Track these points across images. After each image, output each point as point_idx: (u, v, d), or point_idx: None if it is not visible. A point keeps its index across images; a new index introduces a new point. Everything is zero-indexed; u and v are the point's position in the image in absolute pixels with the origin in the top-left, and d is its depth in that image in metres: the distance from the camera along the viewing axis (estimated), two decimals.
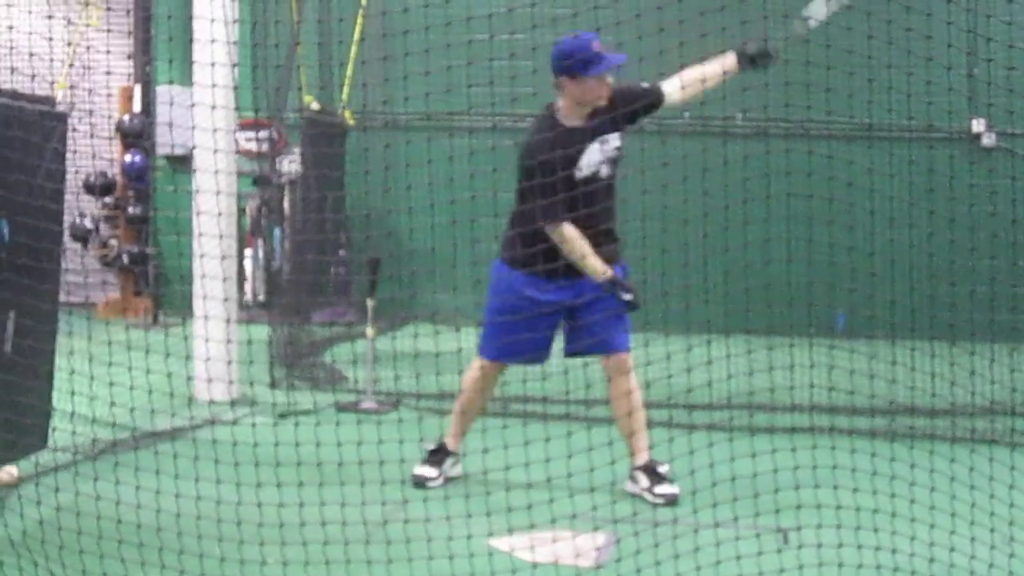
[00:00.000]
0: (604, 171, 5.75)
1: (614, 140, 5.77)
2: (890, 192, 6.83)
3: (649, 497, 5.76)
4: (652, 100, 5.77)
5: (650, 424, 6.04)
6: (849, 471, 5.06)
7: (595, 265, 5.59)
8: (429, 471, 6.01)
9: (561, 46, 5.68)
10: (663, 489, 5.76)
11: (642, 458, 5.85)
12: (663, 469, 5.81)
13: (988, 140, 11.65)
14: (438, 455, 6.07)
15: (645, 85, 5.79)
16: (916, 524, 4.82)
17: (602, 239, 5.65)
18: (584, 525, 5.21)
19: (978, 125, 11.59)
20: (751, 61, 5.70)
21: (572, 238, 5.58)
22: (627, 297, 5.60)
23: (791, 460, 5.07)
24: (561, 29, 6.01)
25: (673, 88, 5.78)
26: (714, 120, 10.67)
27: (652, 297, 6.24)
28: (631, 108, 5.69)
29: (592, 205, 5.60)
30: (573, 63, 5.61)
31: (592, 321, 5.73)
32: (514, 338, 5.79)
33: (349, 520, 4.95)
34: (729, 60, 5.74)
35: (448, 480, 6.05)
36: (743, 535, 4.93)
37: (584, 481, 5.39)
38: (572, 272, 5.66)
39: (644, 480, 5.81)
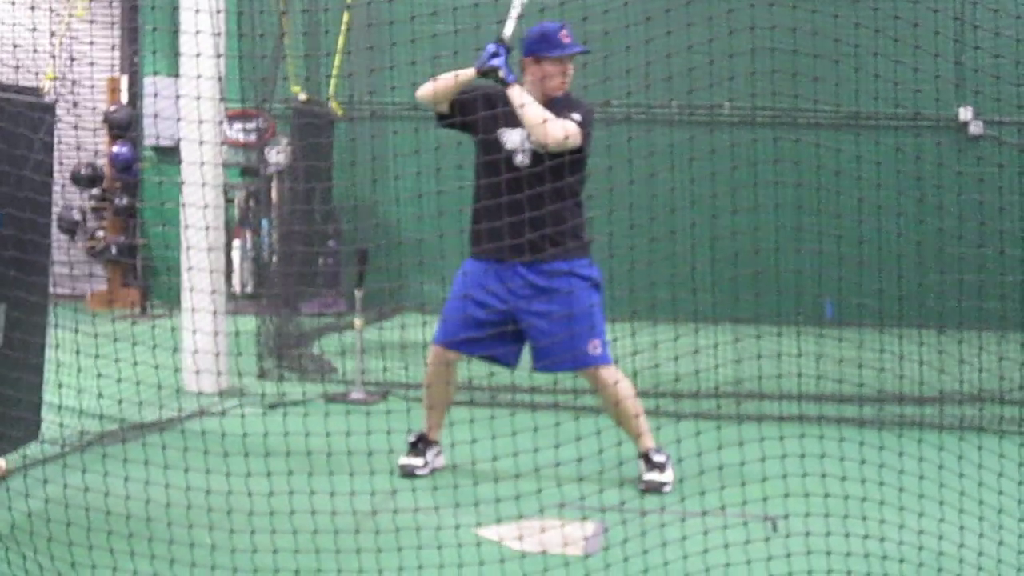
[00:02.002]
0: (520, 159, 5.73)
1: None
2: (877, 180, 6.83)
3: (639, 484, 5.78)
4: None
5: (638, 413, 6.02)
6: (837, 459, 5.07)
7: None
8: (414, 460, 6.04)
9: (532, 29, 5.78)
10: (650, 476, 5.80)
11: (642, 445, 5.87)
12: (658, 458, 5.82)
13: (975, 128, 11.68)
14: (420, 445, 6.09)
15: (575, 115, 5.71)
16: (904, 512, 4.83)
17: (521, 229, 5.60)
18: (572, 514, 5.21)
19: (965, 113, 11.63)
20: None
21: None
22: (495, 63, 5.57)
23: (779, 448, 5.08)
24: (547, 17, 6.01)
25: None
26: (700, 109, 10.66)
27: (640, 286, 6.24)
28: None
29: (499, 181, 5.59)
30: (535, 44, 5.74)
31: (548, 342, 5.73)
32: (456, 320, 5.82)
33: (338, 510, 4.95)
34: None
35: (434, 469, 6.06)
36: (731, 523, 4.94)
37: (572, 470, 5.40)
38: (504, 254, 5.69)
39: (641, 466, 5.85)
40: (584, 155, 5.74)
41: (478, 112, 5.69)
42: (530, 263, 5.70)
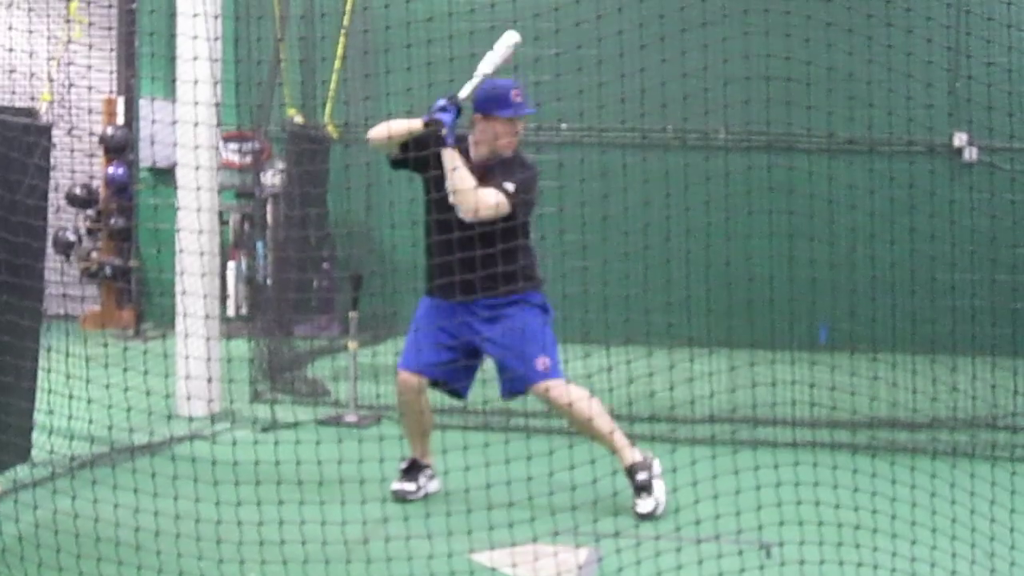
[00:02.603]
0: (460, 212, 5.66)
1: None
2: (871, 207, 6.86)
3: (635, 515, 5.75)
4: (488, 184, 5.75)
5: (633, 440, 6.01)
6: (831, 487, 5.07)
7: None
8: (407, 485, 6.02)
9: (484, 86, 5.71)
10: (641, 506, 5.75)
11: (624, 460, 5.84)
12: (642, 476, 5.79)
13: (969, 155, 11.70)
14: (412, 471, 6.07)
15: (508, 184, 5.66)
16: (897, 539, 4.83)
17: (468, 270, 5.62)
18: (567, 541, 5.20)
19: (960, 140, 11.65)
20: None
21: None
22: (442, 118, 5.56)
23: (773, 476, 5.08)
24: (542, 45, 6.04)
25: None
26: (694, 134, 10.67)
27: (635, 313, 6.25)
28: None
29: (448, 229, 5.60)
30: (485, 102, 5.72)
31: (500, 361, 5.80)
32: (419, 348, 5.85)
33: (331, 533, 4.95)
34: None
35: (428, 493, 6.05)
36: (725, 551, 4.93)
37: (566, 497, 5.39)
38: (455, 294, 5.73)
39: (630, 485, 5.82)
40: (515, 221, 5.70)
41: (430, 149, 5.65)
42: (479, 300, 5.75)
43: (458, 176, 5.59)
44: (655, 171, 6.68)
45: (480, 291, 5.69)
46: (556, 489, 5.37)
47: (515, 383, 5.82)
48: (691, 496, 5.21)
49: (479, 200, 5.58)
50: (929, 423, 7.27)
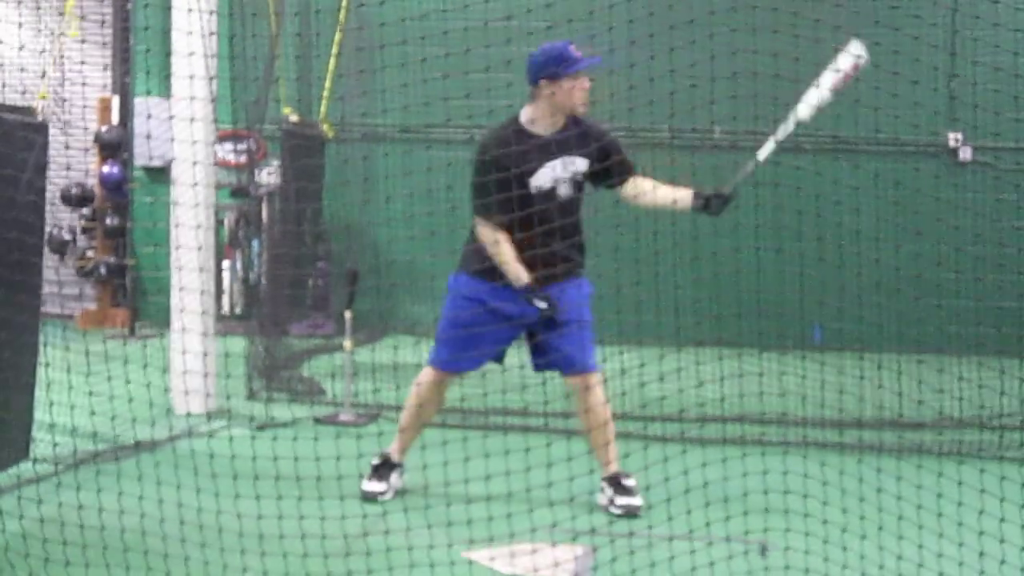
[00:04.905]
0: (564, 190, 5.71)
1: (580, 164, 5.72)
2: (873, 205, 6.90)
3: (612, 509, 5.76)
4: (618, 175, 5.78)
5: (624, 435, 6.05)
6: (820, 482, 5.12)
7: (515, 272, 5.61)
8: (377, 486, 5.94)
9: (537, 51, 5.68)
10: (623, 501, 5.74)
11: (608, 470, 5.86)
12: (629, 482, 5.82)
13: (964, 154, 11.73)
14: (382, 469, 6.00)
15: (627, 159, 5.78)
16: (887, 536, 4.87)
17: (555, 258, 5.62)
18: (562, 536, 5.24)
19: (955, 139, 11.68)
20: (705, 204, 5.64)
21: (496, 242, 5.62)
22: (540, 305, 5.60)
23: (764, 475, 5.13)
24: (536, 42, 6.07)
25: (635, 185, 5.80)
26: (687, 132, 10.69)
27: (626, 309, 6.28)
28: (603, 164, 5.71)
29: (546, 221, 5.60)
30: (549, 64, 5.63)
31: (554, 337, 5.71)
32: (472, 351, 5.77)
33: (328, 532, 4.98)
34: (684, 195, 5.70)
35: (397, 493, 5.97)
36: (718, 548, 4.97)
37: (562, 492, 5.42)
38: (547, 280, 5.65)
39: (608, 491, 5.82)
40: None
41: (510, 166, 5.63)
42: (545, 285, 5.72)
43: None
44: (656, 171, 6.70)
45: (568, 274, 5.69)
46: (553, 486, 5.39)
47: (565, 365, 5.77)
48: (684, 495, 5.25)
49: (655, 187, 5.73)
50: (919, 422, 7.31)
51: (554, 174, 5.69)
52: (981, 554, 4.74)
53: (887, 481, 5.19)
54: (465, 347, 5.77)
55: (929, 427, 7.31)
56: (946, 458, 6.39)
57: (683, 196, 5.68)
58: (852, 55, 5.51)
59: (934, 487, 5.13)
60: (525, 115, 5.76)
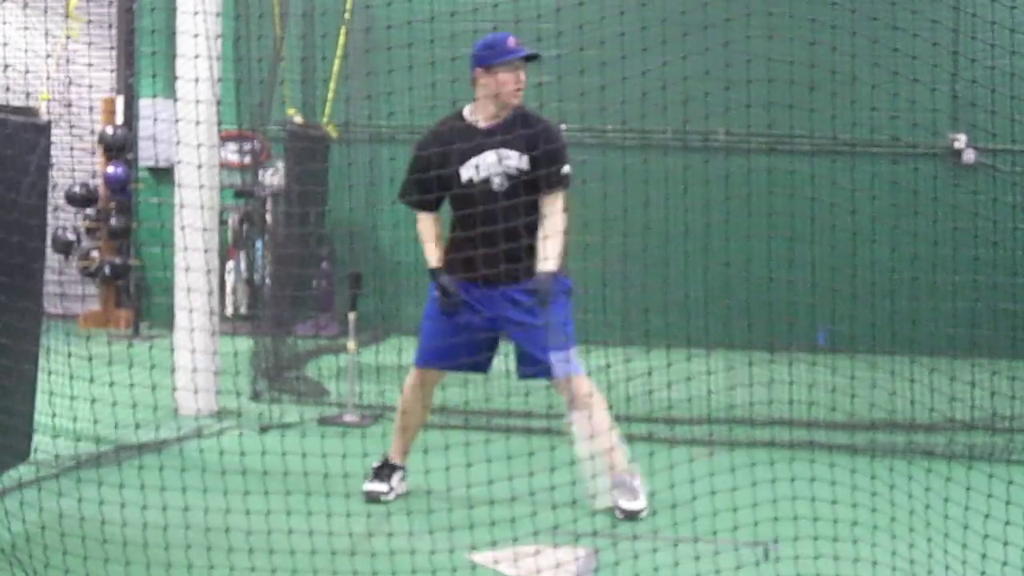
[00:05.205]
0: (497, 182, 5.67)
1: (515, 159, 5.67)
2: (871, 206, 6.88)
3: (616, 512, 5.72)
4: (542, 186, 5.66)
5: (631, 439, 6.03)
6: (828, 486, 5.10)
7: (428, 252, 5.74)
8: (379, 486, 5.95)
9: (477, 43, 5.72)
10: (625, 504, 5.73)
11: (612, 472, 5.84)
12: (634, 483, 5.80)
13: (969, 156, 11.72)
14: (384, 470, 6.01)
15: (567, 170, 5.70)
16: (896, 540, 4.86)
17: (496, 258, 5.57)
18: (565, 538, 5.23)
19: (959, 141, 11.67)
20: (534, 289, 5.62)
21: (418, 220, 5.79)
22: (435, 292, 5.67)
23: (770, 475, 5.11)
24: (544, 47, 6.05)
25: (544, 214, 5.67)
26: (694, 135, 10.69)
27: (634, 312, 6.27)
28: (542, 171, 5.64)
29: (476, 210, 5.60)
30: (485, 53, 5.67)
31: (527, 343, 5.70)
32: (439, 343, 5.78)
33: (334, 532, 4.98)
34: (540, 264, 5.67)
35: (399, 495, 5.97)
36: (721, 549, 4.95)
37: (565, 495, 5.41)
38: (490, 280, 5.65)
39: (614, 492, 5.81)
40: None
41: (438, 160, 5.69)
42: (510, 282, 5.70)
43: (553, 251, 5.60)
44: (656, 172, 6.69)
45: (513, 276, 5.63)
46: (555, 488, 5.38)
47: (541, 372, 5.75)
48: (688, 495, 5.23)
49: (561, 239, 5.62)
50: (928, 426, 7.29)
51: (485, 164, 5.68)
52: (984, 556, 4.73)
53: (888, 483, 5.17)
54: (431, 340, 5.82)
55: (939, 430, 7.30)
56: (955, 462, 6.38)
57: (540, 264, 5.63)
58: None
59: (942, 491, 5.12)
60: (468, 107, 5.80)
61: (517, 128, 5.66)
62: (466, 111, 5.80)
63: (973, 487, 5.12)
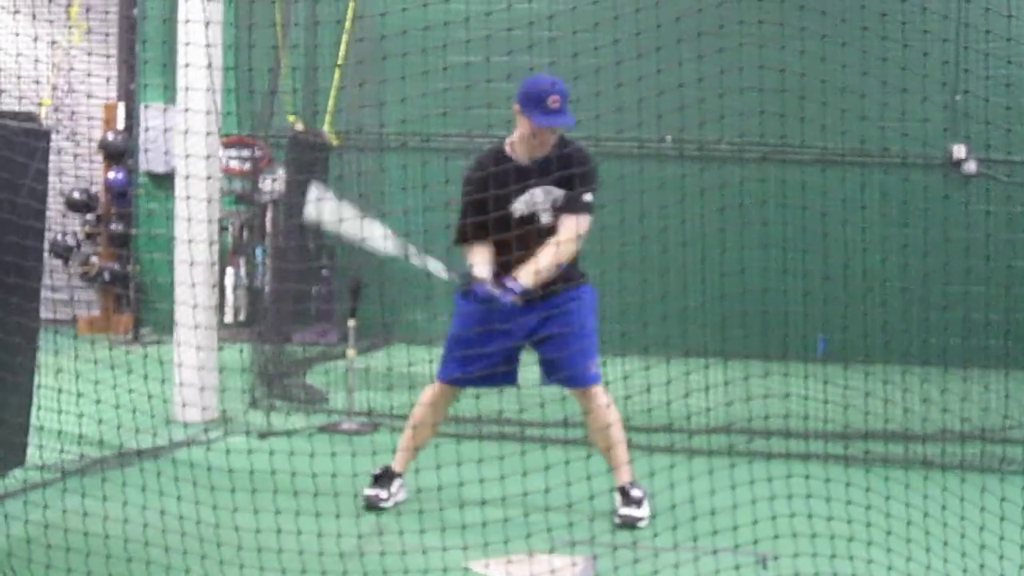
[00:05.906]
0: (545, 218, 5.73)
1: (557, 193, 5.72)
2: (875, 209, 6.88)
3: (614, 518, 5.76)
4: (570, 207, 5.70)
5: (630, 444, 6.04)
6: (824, 499, 5.10)
7: (478, 268, 5.67)
8: (380, 492, 5.95)
9: (527, 80, 5.71)
10: (626, 511, 5.75)
11: (620, 479, 5.87)
12: (636, 493, 5.81)
13: (969, 167, 11.69)
14: (384, 478, 6.00)
15: (588, 199, 5.73)
16: (891, 553, 4.86)
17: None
18: (562, 545, 5.22)
19: (959, 151, 11.63)
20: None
21: (470, 251, 5.73)
22: (506, 299, 5.59)
23: (768, 488, 5.11)
24: (537, 55, 6.05)
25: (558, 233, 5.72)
26: (691, 143, 10.66)
27: (632, 325, 6.27)
28: (562, 205, 5.69)
29: (526, 247, 5.63)
30: (525, 100, 5.66)
31: (552, 352, 5.73)
32: (470, 352, 5.78)
33: (328, 537, 4.97)
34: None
35: (397, 503, 5.97)
36: (721, 562, 4.94)
37: (562, 501, 5.40)
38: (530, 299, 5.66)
39: (617, 500, 5.84)
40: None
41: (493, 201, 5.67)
42: (549, 296, 5.73)
43: (546, 265, 5.62)
44: (651, 181, 6.69)
45: (541, 289, 5.66)
46: (552, 497, 5.38)
47: (567, 380, 5.80)
48: (688, 507, 5.23)
49: (569, 250, 5.64)
50: (922, 436, 7.28)
51: (533, 200, 5.73)
52: (982, 566, 4.73)
53: (880, 493, 5.17)
54: (458, 354, 5.83)
55: (933, 440, 7.28)
56: (949, 471, 6.38)
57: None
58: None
59: (939, 499, 5.12)
60: (509, 139, 5.82)
61: (558, 161, 5.68)
62: (507, 147, 5.80)
63: (967, 498, 5.11)
